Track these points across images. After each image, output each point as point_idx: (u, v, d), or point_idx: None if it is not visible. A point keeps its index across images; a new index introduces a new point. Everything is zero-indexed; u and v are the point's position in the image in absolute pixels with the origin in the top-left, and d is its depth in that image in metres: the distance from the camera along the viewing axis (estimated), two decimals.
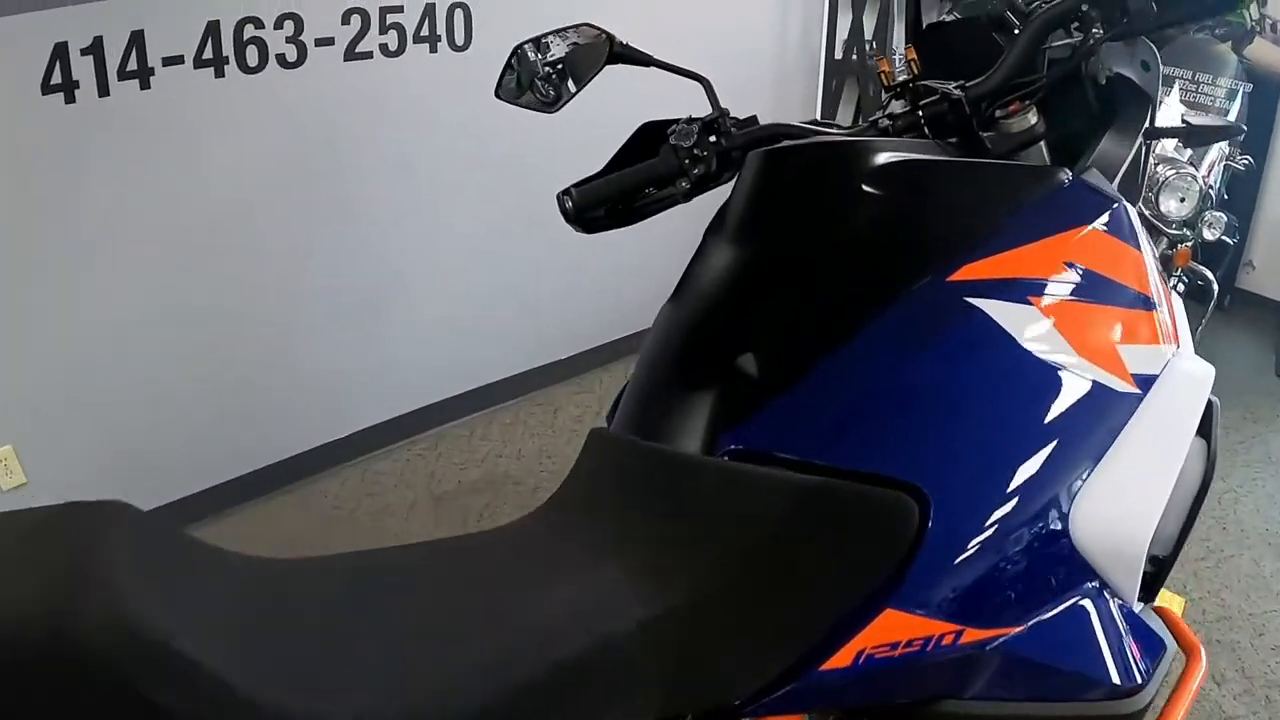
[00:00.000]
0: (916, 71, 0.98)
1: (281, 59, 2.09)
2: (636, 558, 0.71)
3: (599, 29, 1.04)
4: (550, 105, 1.08)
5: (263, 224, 2.17)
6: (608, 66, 1.04)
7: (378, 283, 2.42)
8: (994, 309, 0.78)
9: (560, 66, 1.06)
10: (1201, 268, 2.47)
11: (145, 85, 1.91)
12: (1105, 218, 0.87)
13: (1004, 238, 0.82)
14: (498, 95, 1.10)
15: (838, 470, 0.72)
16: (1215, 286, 2.44)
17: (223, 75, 2.01)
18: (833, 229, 0.86)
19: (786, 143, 0.96)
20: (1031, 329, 0.78)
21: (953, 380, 0.78)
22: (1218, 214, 2.44)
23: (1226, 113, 2.94)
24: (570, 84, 1.06)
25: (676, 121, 1.03)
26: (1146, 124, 1.07)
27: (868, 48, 3.09)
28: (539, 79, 1.08)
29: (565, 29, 1.07)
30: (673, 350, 0.87)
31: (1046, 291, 0.81)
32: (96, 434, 2.03)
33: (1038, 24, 0.96)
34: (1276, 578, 2.09)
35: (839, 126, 1.10)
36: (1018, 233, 0.83)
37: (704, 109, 1.04)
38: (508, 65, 1.09)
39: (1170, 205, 2.32)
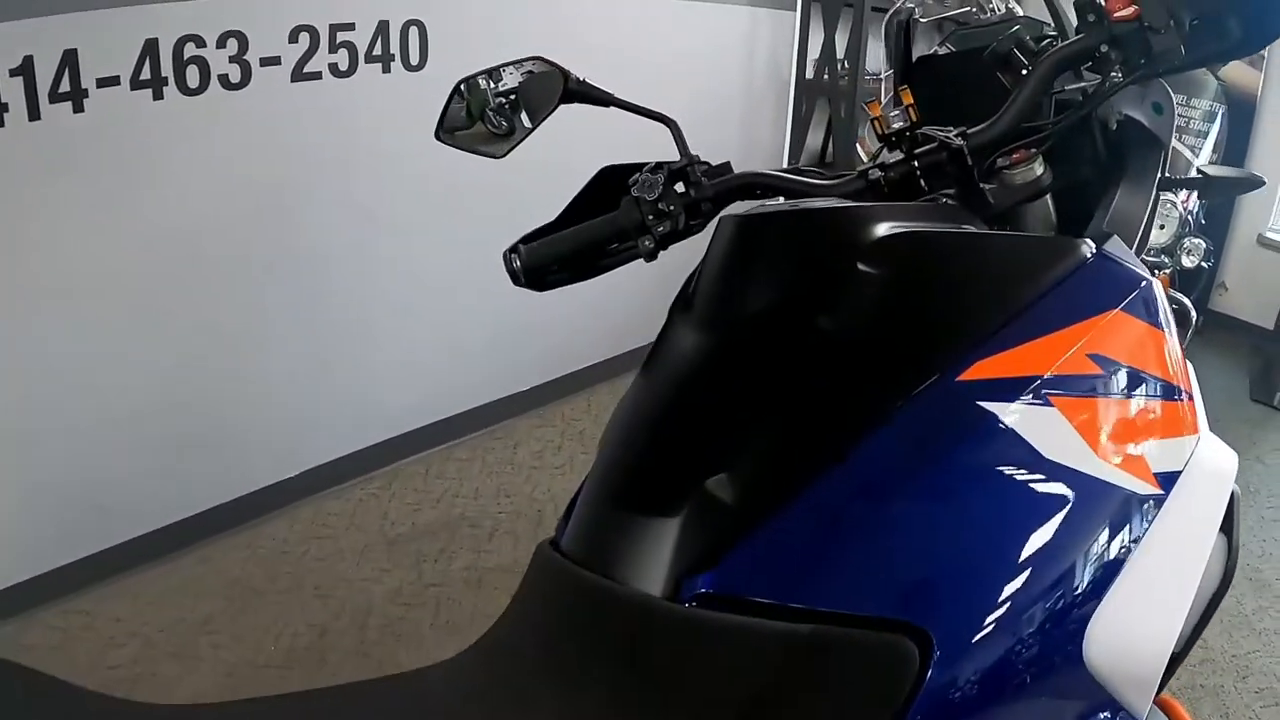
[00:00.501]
0: (915, 118, 0.90)
1: (225, 80, 2.01)
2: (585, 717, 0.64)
3: (552, 64, 0.96)
4: (501, 140, 1.00)
5: (207, 255, 2.08)
6: (564, 106, 0.96)
7: (329, 315, 2.33)
8: (1010, 414, 0.69)
9: (514, 97, 0.99)
10: (1180, 295, 2.45)
11: (79, 108, 1.83)
12: (1132, 298, 0.78)
13: (1022, 327, 0.73)
14: (439, 137, 1.01)
15: (825, 614, 0.64)
16: (1194, 314, 2.42)
17: (162, 97, 1.93)
18: (823, 317, 0.76)
19: (765, 206, 0.87)
20: (1050, 434, 0.69)
21: (961, 502, 0.68)
22: (1196, 240, 2.43)
23: (1205, 134, 2.95)
24: (524, 118, 0.98)
25: (639, 167, 0.93)
26: (1160, 174, 1.00)
27: (839, 67, 3.06)
28: (491, 110, 1.00)
29: (516, 62, 0.99)
30: (631, 463, 0.77)
31: (1067, 389, 0.71)
32: (33, 476, 1.93)
33: (1049, 64, 0.87)
34: (1259, 615, 2.06)
35: (819, 173, 1.02)
36: (1038, 321, 0.73)
37: (672, 150, 0.96)
38: (452, 98, 1.00)
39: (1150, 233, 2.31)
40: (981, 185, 0.89)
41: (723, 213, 0.88)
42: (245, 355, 2.20)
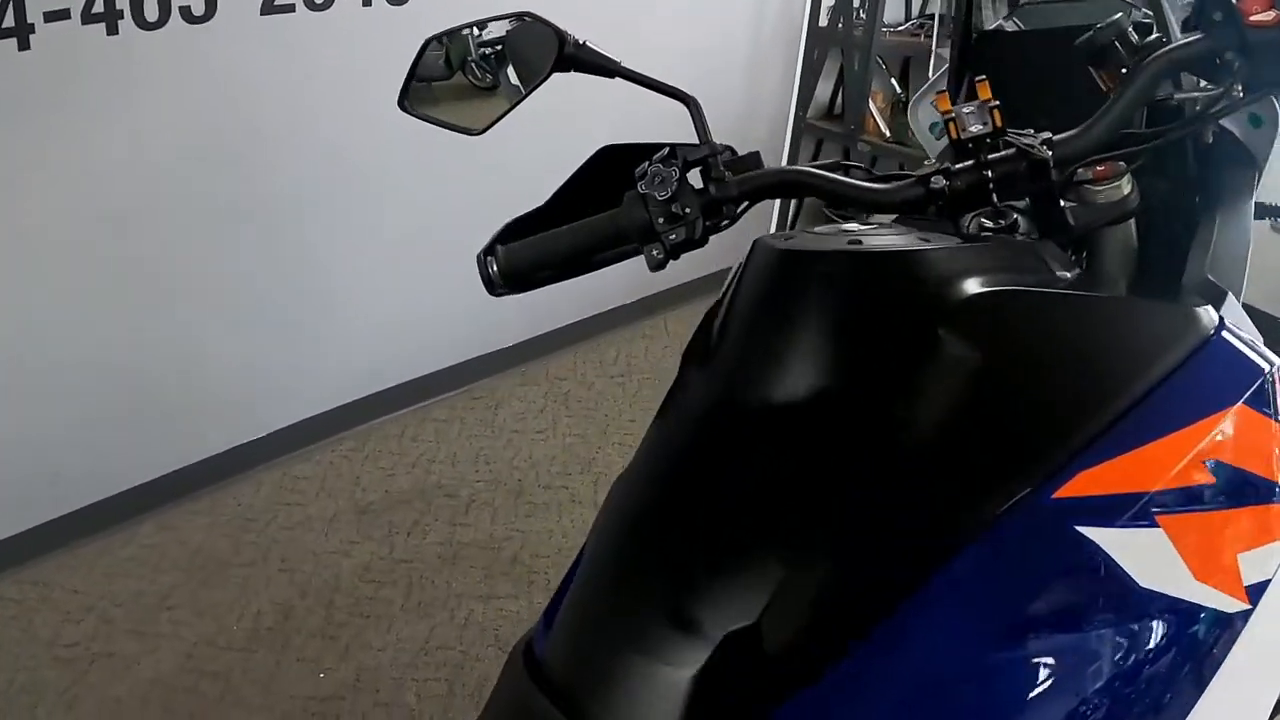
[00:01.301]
0: (999, 124, 0.76)
1: (186, 12, 1.87)
2: None
3: (546, 22, 0.82)
4: (482, 103, 0.87)
5: (163, 204, 1.97)
6: (560, 74, 0.82)
7: (297, 266, 2.23)
8: (1111, 541, 0.60)
9: (500, 48, 0.86)
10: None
11: (24, 45, 1.70)
12: (1255, 390, 0.68)
13: (1135, 427, 0.62)
14: (404, 105, 0.87)
15: None
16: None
17: (116, 32, 1.80)
18: (888, 396, 0.63)
19: (810, 235, 0.75)
20: (1150, 559, 0.61)
21: (1047, 653, 0.59)
22: None
23: None
24: (511, 75, 0.85)
25: (648, 151, 0.79)
26: (1254, 197, 0.90)
27: (855, 15, 2.91)
28: (474, 61, 0.87)
29: (500, 18, 0.85)
30: (625, 571, 0.67)
31: (1175, 504, 0.62)
32: None
33: (1157, 67, 0.76)
34: None
35: (865, 171, 0.89)
36: (1154, 419, 0.63)
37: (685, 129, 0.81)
38: (420, 57, 0.86)
39: None
40: (1063, 203, 0.79)
41: (758, 239, 0.75)
42: (206, 309, 2.11)
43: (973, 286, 0.66)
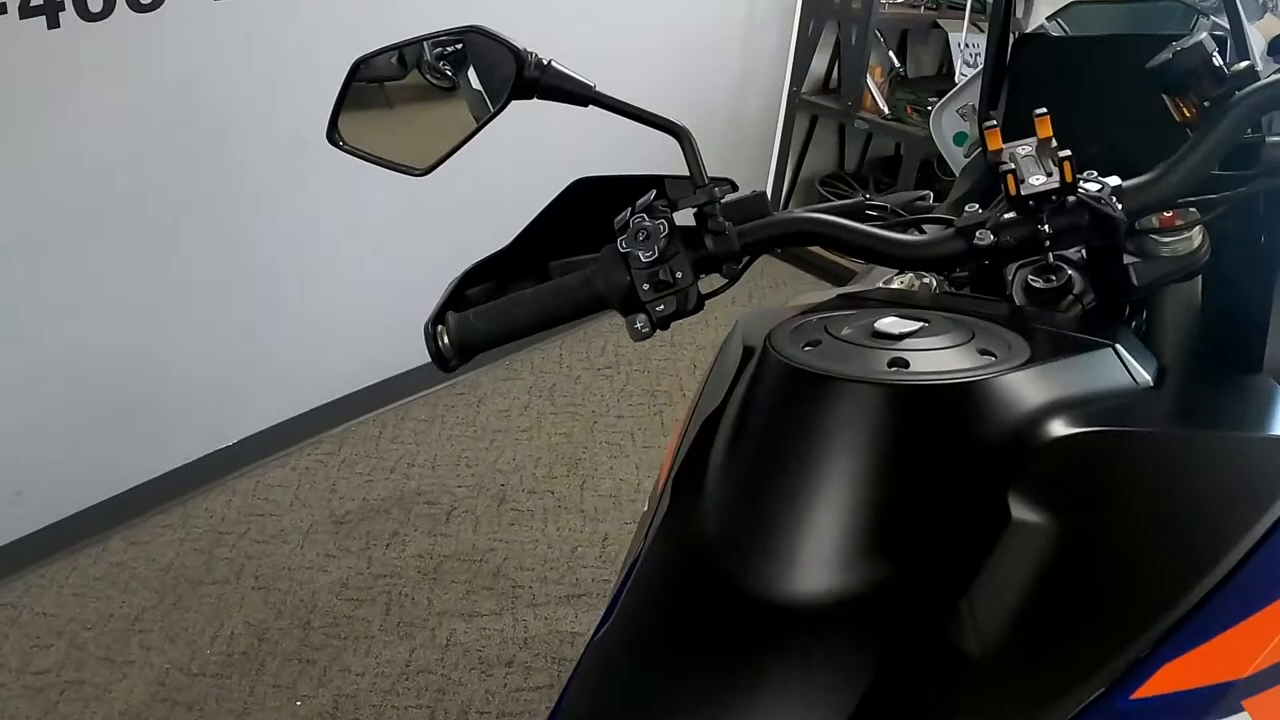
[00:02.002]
0: (1070, 178, 0.65)
1: (133, 0, 1.76)
2: None
3: (499, 39, 0.69)
4: (433, 133, 0.74)
5: (115, 203, 1.88)
6: (521, 103, 0.71)
7: (265, 264, 2.15)
8: None
9: (459, 48, 0.74)
10: None
11: None
12: None
13: (1225, 605, 0.52)
14: (333, 139, 0.74)
15: None
16: None
17: (58, 25, 1.69)
18: (942, 580, 0.53)
19: (825, 329, 0.63)
20: None
21: None
22: None
23: None
24: (473, 77, 0.72)
25: (630, 185, 0.69)
26: None
27: None
28: (428, 65, 0.76)
29: (442, 34, 0.73)
30: None
31: (1263, 685, 0.53)
32: None
33: (1252, 103, 0.67)
34: None
35: (888, 211, 0.80)
36: (1249, 592, 0.53)
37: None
38: (349, 84, 0.74)
39: None
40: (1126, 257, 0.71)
41: (768, 339, 0.63)
42: (167, 312, 2.03)
43: (1051, 428, 0.56)
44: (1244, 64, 0.70)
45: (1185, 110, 0.72)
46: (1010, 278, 0.77)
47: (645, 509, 0.78)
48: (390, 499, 2.21)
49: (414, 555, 2.06)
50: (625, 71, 2.59)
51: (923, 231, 0.77)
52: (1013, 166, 0.67)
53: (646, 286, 0.65)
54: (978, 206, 0.70)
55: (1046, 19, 1.24)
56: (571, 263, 0.74)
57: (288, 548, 2.06)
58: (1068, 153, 0.65)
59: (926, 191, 1.28)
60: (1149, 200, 0.68)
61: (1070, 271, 0.74)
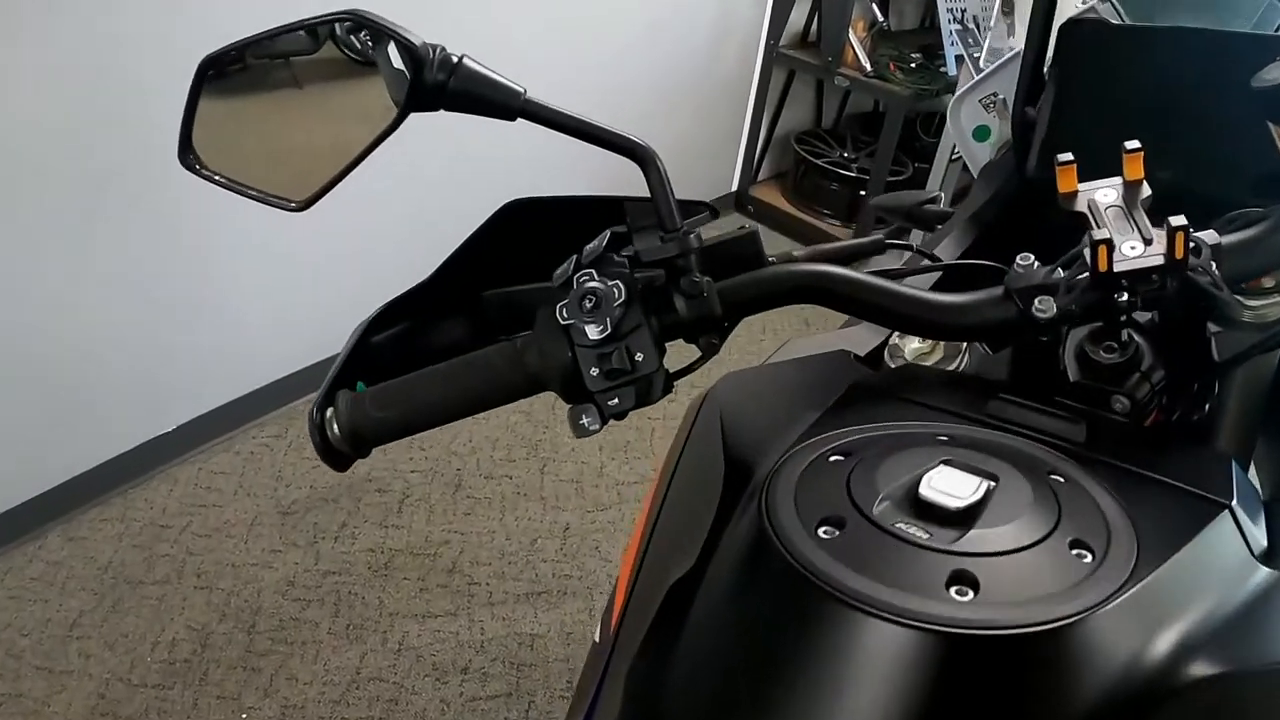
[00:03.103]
0: (1181, 254, 0.52)
1: None
2: None
3: (388, 29, 0.53)
4: (312, 160, 0.59)
5: (31, 173, 1.76)
6: (425, 117, 0.55)
7: (202, 239, 2.05)
8: None
9: (365, 34, 0.58)
10: None
11: None
12: None
13: None
14: (186, 159, 0.59)
15: None
16: None
17: None
18: None
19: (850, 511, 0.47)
20: None
21: None
22: None
23: None
24: (393, 54, 0.55)
25: (576, 210, 0.58)
26: None
27: None
28: (304, 62, 0.61)
29: (313, 21, 0.56)
30: None
31: None
32: None
33: None
34: None
35: (922, 255, 0.70)
36: None
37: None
38: (202, 82, 0.58)
39: None
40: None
41: (768, 501, 0.49)
42: (99, 292, 1.93)
43: (1179, 669, 0.43)
44: None
45: None
46: (1063, 341, 0.65)
47: (597, 639, 0.69)
48: (339, 486, 2.17)
49: (364, 549, 2.03)
50: (593, 27, 2.48)
51: (960, 281, 0.65)
52: (1105, 234, 0.52)
53: (595, 372, 0.52)
54: (1033, 259, 0.57)
55: (1100, 0, 1.08)
56: (512, 294, 0.63)
57: (231, 542, 2.02)
58: (1182, 221, 0.51)
59: (938, 193, 1.19)
60: (1253, 265, 0.56)
61: (1137, 338, 0.62)
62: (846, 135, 3.25)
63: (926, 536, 0.44)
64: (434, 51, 0.52)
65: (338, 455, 0.57)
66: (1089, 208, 0.55)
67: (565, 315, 0.51)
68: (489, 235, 0.61)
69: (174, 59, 1.85)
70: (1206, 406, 0.72)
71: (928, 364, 0.79)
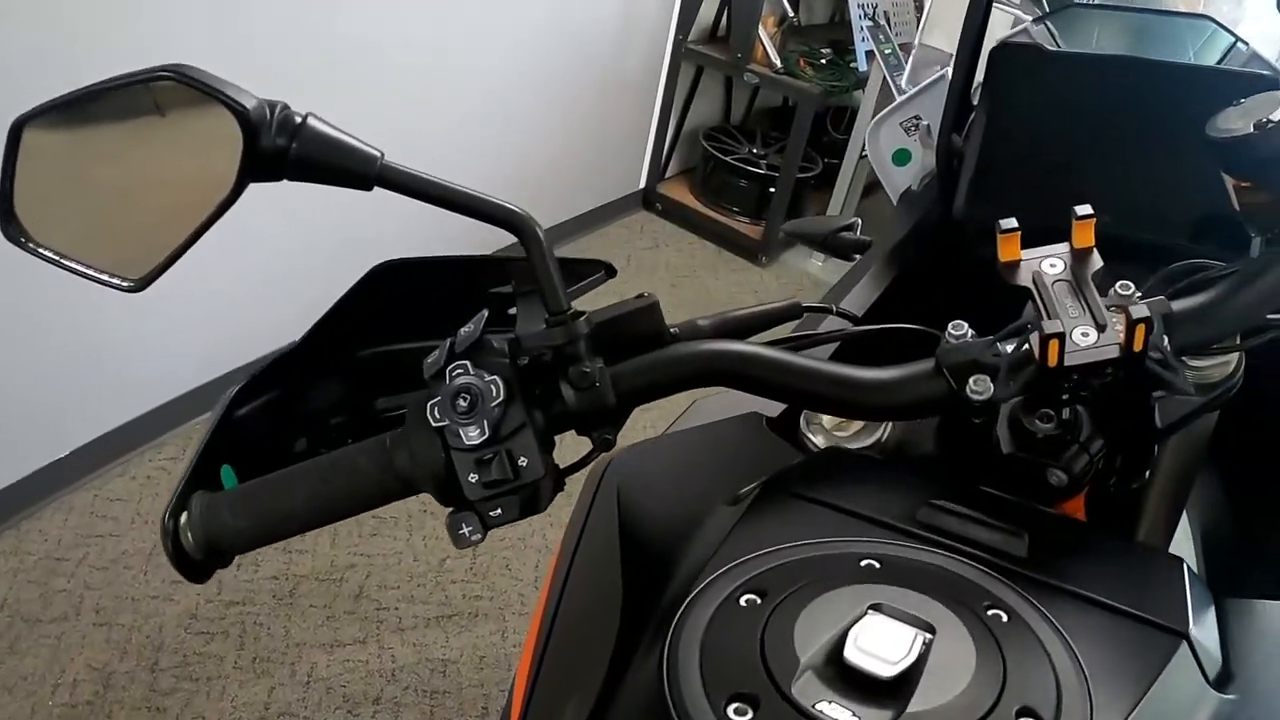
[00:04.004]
0: (1140, 345, 0.49)
1: None
2: None
3: (214, 89, 0.47)
4: (149, 235, 0.52)
5: None
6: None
7: None
8: None
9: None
10: None
11: None
12: None
13: None
14: (8, 231, 0.52)
15: None
16: None
17: None
18: None
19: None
20: None
21: None
22: None
23: None
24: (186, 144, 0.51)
25: (457, 272, 0.55)
26: None
27: None
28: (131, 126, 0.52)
29: (130, 81, 0.48)
30: None
31: None
32: None
33: None
34: None
35: (840, 313, 0.67)
36: None
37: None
38: (17, 145, 0.50)
39: None
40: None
41: (671, 660, 0.45)
42: None
43: None
44: None
45: (1255, 200, 0.56)
46: (1000, 423, 0.61)
47: None
48: None
49: (268, 577, 2.05)
50: (486, 23, 2.44)
51: (886, 352, 0.61)
52: (1058, 328, 0.48)
53: (474, 479, 0.47)
54: (966, 329, 0.54)
55: (1033, 21, 1.05)
56: (390, 353, 0.60)
57: (130, 574, 2.02)
58: (1145, 312, 0.48)
59: (854, 219, 1.13)
60: (1207, 334, 0.53)
61: (1077, 409, 0.58)
62: (756, 131, 3.30)
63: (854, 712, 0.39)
64: (272, 112, 0.47)
65: (194, 566, 0.52)
66: (1034, 283, 0.52)
67: (437, 416, 0.47)
68: (359, 298, 0.58)
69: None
70: (1147, 473, 0.71)
71: (847, 433, 0.76)
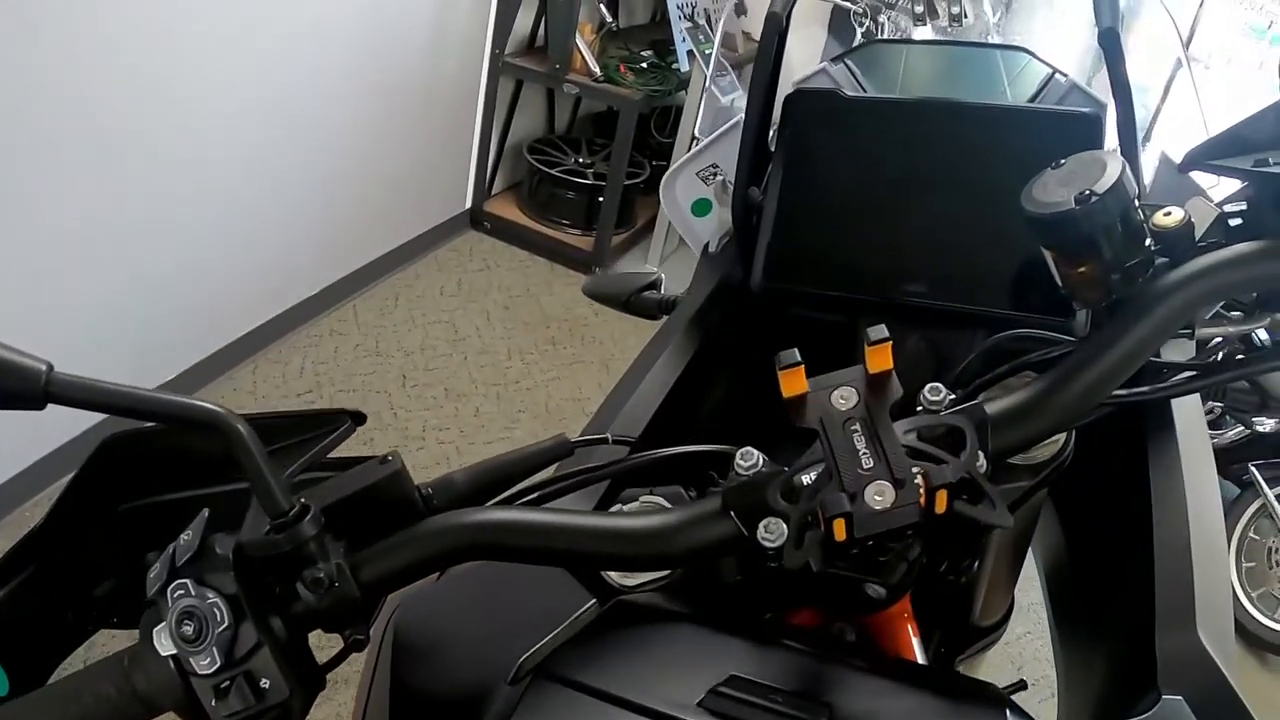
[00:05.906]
0: (943, 507, 0.44)
1: None
2: None
3: None
4: None
5: None
6: None
7: None
8: None
9: None
10: None
11: None
12: None
13: None
14: None
15: None
16: None
17: None
18: None
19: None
20: None
21: None
22: None
23: None
24: None
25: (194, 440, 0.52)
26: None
27: None
28: None
29: None
30: None
31: None
32: None
33: (1201, 291, 0.49)
34: None
35: (619, 441, 0.62)
36: None
37: None
38: None
39: None
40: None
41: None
42: None
43: None
44: (1168, 214, 0.51)
45: (1078, 274, 0.52)
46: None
47: None
48: None
49: None
50: (294, 43, 2.30)
51: (685, 469, 0.58)
52: (844, 507, 0.44)
53: (215, 704, 0.43)
54: (757, 458, 0.50)
55: (831, 61, 1.00)
56: (154, 505, 0.56)
57: None
58: (945, 478, 0.43)
59: (655, 273, 1.11)
60: (1028, 435, 0.49)
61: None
62: (581, 140, 3.30)
63: None
64: None
65: None
66: (822, 427, 0.47)
67: (165, 644, 0.43)
68: (97, 470, 0.54)
69: None
70: (975, 564, 0.70)
71: None
